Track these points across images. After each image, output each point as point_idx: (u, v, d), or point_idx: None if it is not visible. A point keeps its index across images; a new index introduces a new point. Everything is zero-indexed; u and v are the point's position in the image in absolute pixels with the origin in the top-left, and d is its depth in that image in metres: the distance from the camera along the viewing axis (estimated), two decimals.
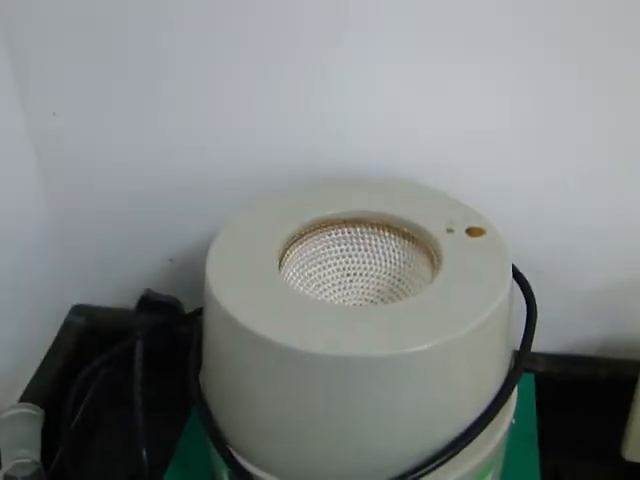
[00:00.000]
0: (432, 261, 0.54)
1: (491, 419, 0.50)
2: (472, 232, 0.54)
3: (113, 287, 0.80)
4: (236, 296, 0.49)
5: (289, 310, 0.48)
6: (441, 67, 0.61)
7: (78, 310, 0.82)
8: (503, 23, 0.58)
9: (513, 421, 0.56)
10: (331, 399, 0.47)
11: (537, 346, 0.73)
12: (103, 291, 0.81)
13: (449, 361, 0.48)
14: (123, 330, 0.70)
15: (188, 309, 0.71)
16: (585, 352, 0.75)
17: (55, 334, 0.79)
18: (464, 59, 0.60)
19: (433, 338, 0.46)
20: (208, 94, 0.65)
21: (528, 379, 0.72)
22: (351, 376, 0.46)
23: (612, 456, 0.68)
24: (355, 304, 0.56)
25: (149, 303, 0.68)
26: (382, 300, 0.56)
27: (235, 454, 0.53)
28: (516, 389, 0.57)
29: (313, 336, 0.46)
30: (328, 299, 0.56)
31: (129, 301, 0.73)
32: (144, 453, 0.57)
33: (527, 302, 0.55)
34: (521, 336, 0.55)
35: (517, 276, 0.56)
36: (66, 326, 0.80)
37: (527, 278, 0.57)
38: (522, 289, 0.56)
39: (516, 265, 0.56)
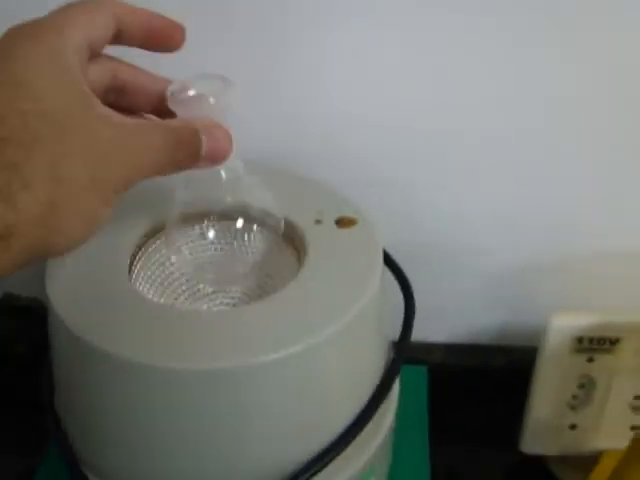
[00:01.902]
0: (299, 255, 0.49)
1: (363, 427, 0.46)
2: (342, 223, 0.50)
3: None
4: (77, 308, 0.44)
5: (133, 320, 0.43)
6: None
7: None
8: None
9: (393, 424, 0.52)
10: (181, 416, 0.42)
11: (432, 336, 0.72)
12: None
13: (314, 365, 0.43)
14: None
15: None
16: (481, 340, 0.72)
17: None
18: None
19: (294, 342, 0.41)
20: None
21: (420, 372, 0.68)
22: (198, 390, 0.41)
23: (510, 448, 0.65)
24: (220, 306, 0.52)
25: (8, 308, 0.62)
26: (250, 299, 0.52)
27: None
28: (397, 389, 0.53)
29: (156, 347, 0.41)
30: (185, 304, 0.51)
31: None
32: None
33: (405, 296, 0.51)
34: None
35: (393, 267, 0.52)
36: None
37: (420, 263, 0.55)
38: (399, 282, 0.52)
39: (403, 251, 0.52)
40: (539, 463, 0.66)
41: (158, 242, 0.51)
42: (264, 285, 0.51)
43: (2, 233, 0.30)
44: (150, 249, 0.51)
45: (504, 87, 0.58)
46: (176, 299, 0.51)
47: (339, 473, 0.48)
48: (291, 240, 0.50)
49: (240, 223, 0.49)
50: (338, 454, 0.45)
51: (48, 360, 0.51)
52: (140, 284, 0.49)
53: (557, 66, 0.57)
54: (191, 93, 0.42)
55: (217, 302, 0.52)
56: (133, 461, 0.46)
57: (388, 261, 0.51)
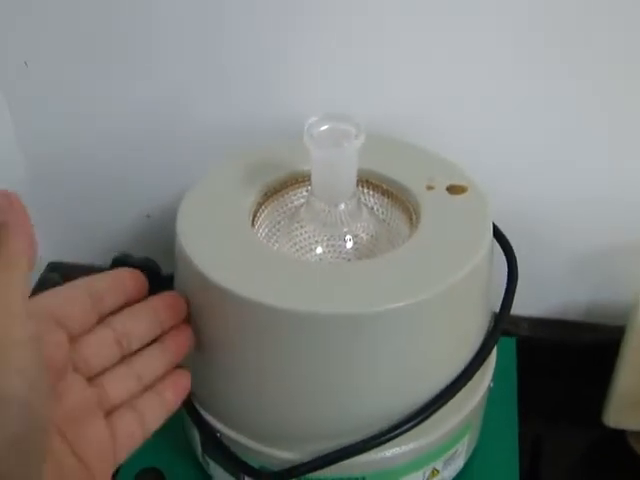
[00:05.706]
0: (411, 219, 0.52)
1: (468, 380, 0.49)
2: (453, 190, 0.52)
3: (90, 244, 0.78)
4: (207, 253, 0.48)
5: (262, 267, 0.47)
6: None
7: (53, 267, 0.80)
8: None
9: (491, 384, 0.55)
10: (305, 358, 0.46)
11: (521, 309, 0.73)
12: (80, 248, 0.79)
13: (425, 319, 0.46)
14: None
15: (167, 269, 0.69)
16: (570, 317, 0.73)
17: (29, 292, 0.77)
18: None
19: (409, 295, 0.44)
20: (186, 41, 0.63)
21: (509, 343, 0.70)
22: (325, 334, 0.45)
23: (593, 422, 0.67)
24: (331, 262, 0.55)
25: (122, 266, 0.66)
26: (359, 259, 0.54)
27: (206, 414, 0.52)
28: (495, 352, 0.56)
29: (287, 293, 0.45)
30: (303, 257, 0.54)
31: (107, 259, 0.71)
32: None
33: (508, 263, 0.53)
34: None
35: (499, 236, 0.54)
36: (41, 283, 0.78)
37: (513, 238, 0.55)
38: (504, 250, 0.54)
39: (502, 224, 0.54)
40: (619, 438, 0.68)
41: (276, 202, 0.54)
42: (375, 245, 0.54)
43: None
44: (271, 206, 0.54)
45: None
46: (294, 252, 0.54)
47: (439, 426, 0.51)
48: (403, 204, 0.53)
49: None
50: (439, 408, 0.48)
51: None
52: (262, 234, 0.53)
53: None
54: (324, 128, 0.47)
55: (329, 256, 0.55)
56: (242, 397, 0.50)
57: (496, 232, 0.53)
